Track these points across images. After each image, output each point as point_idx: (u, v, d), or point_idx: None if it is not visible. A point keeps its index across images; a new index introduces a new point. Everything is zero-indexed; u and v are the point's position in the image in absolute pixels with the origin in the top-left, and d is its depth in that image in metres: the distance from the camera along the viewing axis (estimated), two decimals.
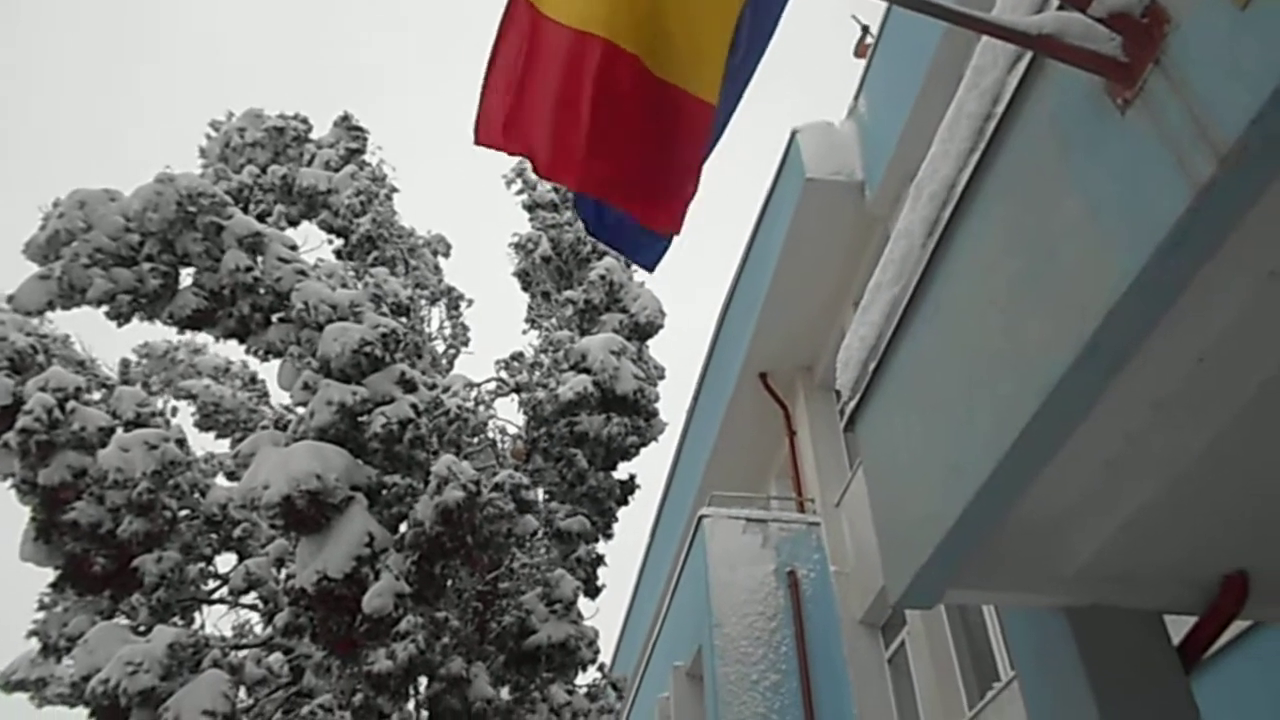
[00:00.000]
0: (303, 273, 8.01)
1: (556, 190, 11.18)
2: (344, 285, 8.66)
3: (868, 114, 13.58)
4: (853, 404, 4.38)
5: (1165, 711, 3.63)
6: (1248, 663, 5.59)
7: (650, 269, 3.38)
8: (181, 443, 8.08)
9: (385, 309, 8.20)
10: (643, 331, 9.50)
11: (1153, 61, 2.36)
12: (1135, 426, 3.17)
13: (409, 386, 7.42)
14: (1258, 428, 3.18)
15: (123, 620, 8.10)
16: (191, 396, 10.84)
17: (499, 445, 8.92)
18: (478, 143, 3.10)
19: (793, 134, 14.32)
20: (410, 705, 7.66)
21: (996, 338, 3.18)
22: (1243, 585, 3.74)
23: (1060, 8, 2.65)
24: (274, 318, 8.07)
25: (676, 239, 3.36)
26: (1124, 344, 2.66)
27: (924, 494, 3.68)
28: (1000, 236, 3.21)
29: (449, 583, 7.15)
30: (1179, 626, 3.86)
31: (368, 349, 7.29)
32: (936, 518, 3.47)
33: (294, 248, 8.30)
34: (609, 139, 3.08)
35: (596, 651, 7.79)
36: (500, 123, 3.14)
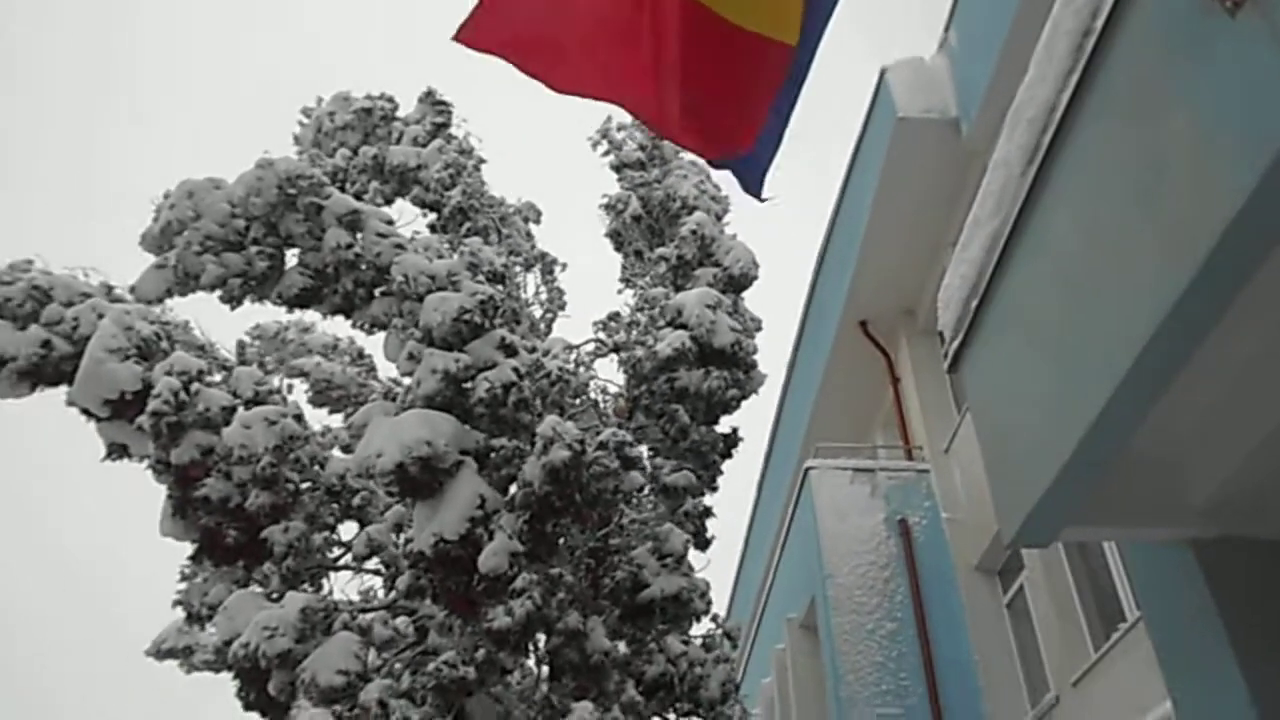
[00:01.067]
0: (400, 246, 8.21)
1: (643, 149, 11.15)
2: (440, 257, 8.83)
3: (959, 47, 13.11)
4: (956, 343, 4.29)
5: None
6: None
7: (757, 196, 3.38)
8: (299, 418, 8.41)
9: (481, 277, 8.35)
10: (737, 284, 9.45)
11: None
12: (1258, 348, 3.04)
13: (510, 351, 7.56)
14: None
15: (257, 588, 8.54)
16: (304, 374, 11.25)
17: (601, 405, 9.03)
18: (469, 43, 2.97)
19: (882, 72, 13.93)
20: (530, 660, 7.90)
21: (1104, 265, 3.07)
22: None
23: None
24: (376, 292, 8.30)
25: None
26: (1243, 262, 2.54)
27: (1035, 430, 3.60)
28: (1104, 159, 3.09)
29: (561, 540, 7.31)
30: None
31: (467, 316, 7.44)
32: (1050, 453, 3.40)
33: (390, 223, 8.49)
34: (666, 72, 3.06)
35: (709, 603, 7.88)
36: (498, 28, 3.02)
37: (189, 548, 8.38)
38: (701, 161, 11.50)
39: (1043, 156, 3.42)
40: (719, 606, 9.75)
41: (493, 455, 7.46)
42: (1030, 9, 9.79)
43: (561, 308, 10.73)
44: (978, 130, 12.11)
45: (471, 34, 2.96)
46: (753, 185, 3.45)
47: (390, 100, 11.19)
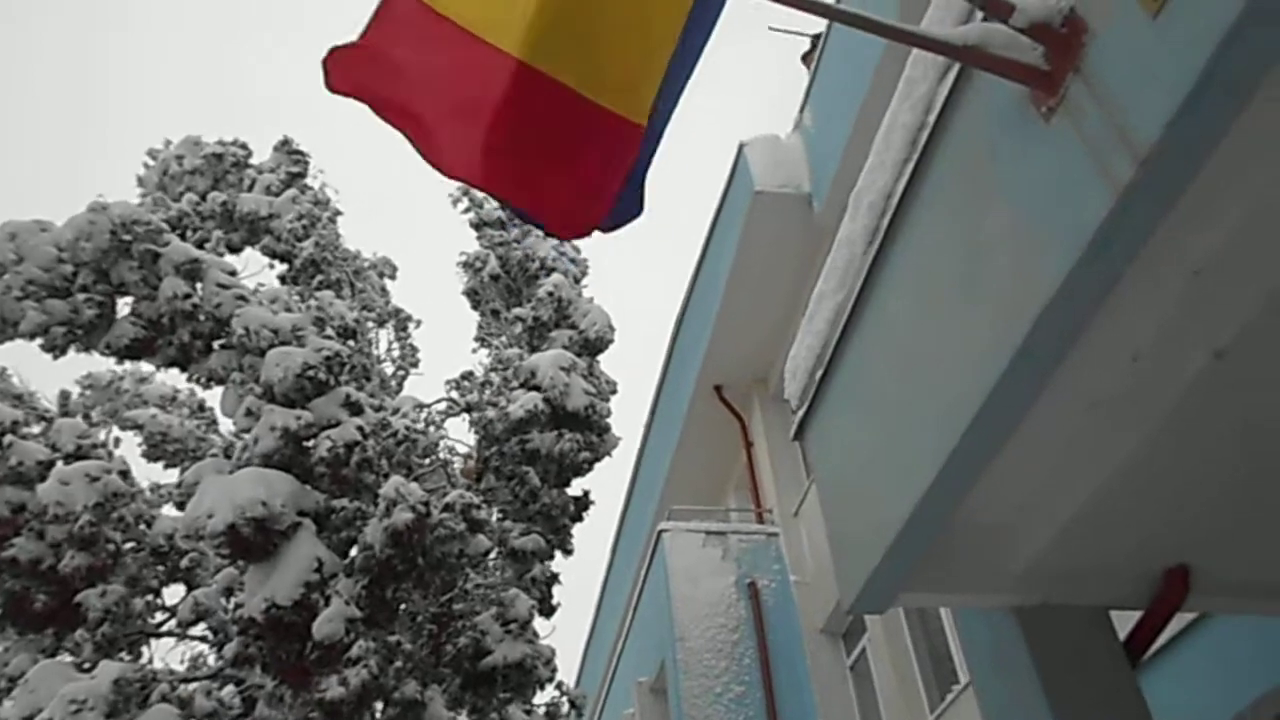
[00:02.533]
0: (243, 298, 7.88)
1: (503, 208, 11.14)
2: (287, 309, 8.52)
3: (813, 126, 13.72)
4: (801, 413, 4.41)
5: (1114, 706, 3.70)
6: (1193, 653, 5.70)
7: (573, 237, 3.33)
8: (125, 474, 7.89)
9: (330, 332, 8.08)
10: (593, 347, 9.48)
11: (1073, 70, 2.42)
12: (1074, 426, 3.23)
13: (355, 409, 7.32)
14: (1192, 423, 3.24)
15: (67, 658, 7.87)
16: (138, 426, 10.62)
17: (450, 466, 8.83)
18: (331, 87, 2.89)
19: (740, 147, 14.42)
20: None
21: (936, 344, 3.23)
22: (1184, 578, 3.82)
23: (985, 19, 2.70)
24: (215, 344, 7.92)
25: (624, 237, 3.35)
26: (1057, 344, 2.72)
27: (872, 498, 3.72)
28: (936, 244, 3.26)
29: (401, 606, 7.04)
30: (1124, 622, 3.93)
31: (311, 373, 7.18)
32: (885, 521, 3.50)
33: (233, 273, 8.16)
34: (519, 146, 3.01)
35: (554, 670, 7.72)
36: (374, 88, 2.97)
37: None
38: None
39: (881, 239, 3.58)
40: (568, 673, 9.60)
41: (333, 516, 7.17)
42: (878, 95, 10.34)
43: (414, 365, 10.53)
44: (828, 207, 12.63)
45: (340, 79, 2.90)
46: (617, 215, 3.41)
47: (244, 147, 10.86)
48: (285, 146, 11.01)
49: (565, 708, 8.12)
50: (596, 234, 3.41)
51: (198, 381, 8.19)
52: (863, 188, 3.75)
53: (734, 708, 12.93)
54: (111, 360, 8.06)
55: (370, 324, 10.32)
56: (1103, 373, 3.00)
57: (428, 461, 8.53)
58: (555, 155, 3.04)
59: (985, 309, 2.88)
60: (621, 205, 3.29)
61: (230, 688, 7.78)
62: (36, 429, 8.35)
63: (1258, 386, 3.15)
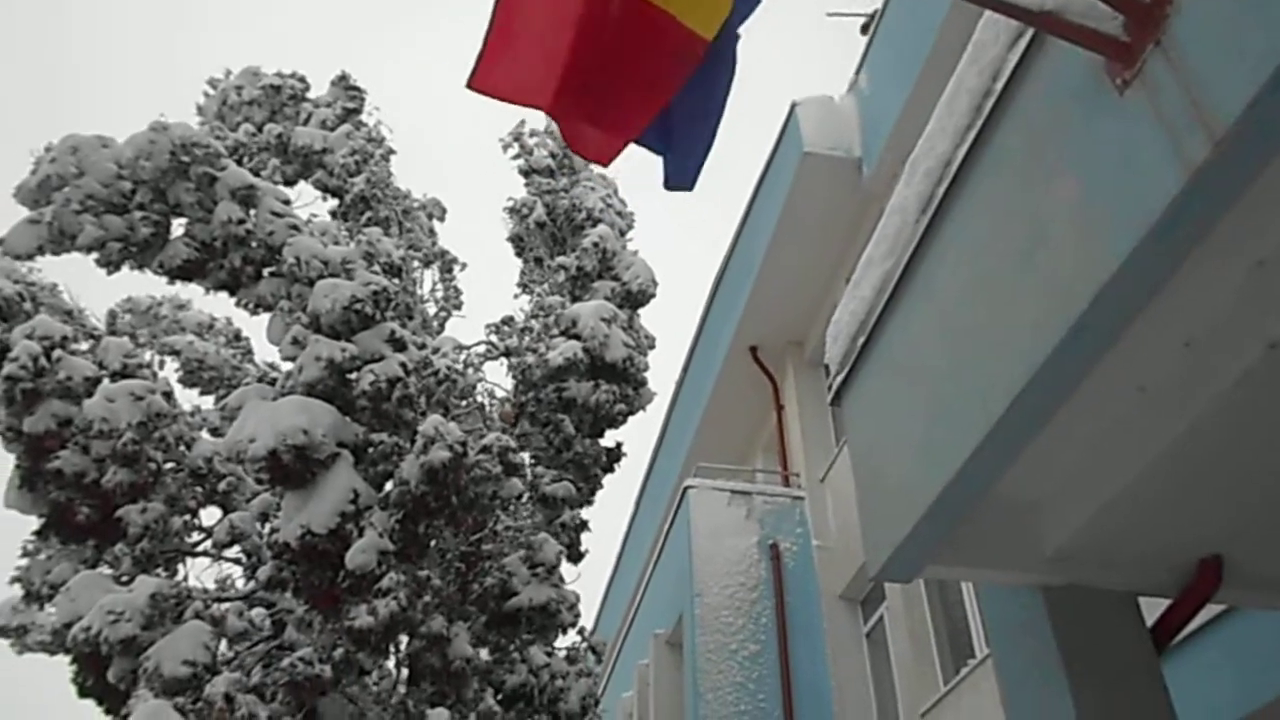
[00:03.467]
0: (295, 228, 7.95)
1: (554, 156, 11.11)
2: (336, 243, 8.59)
3: (868, 90, 13.51)
4: (840, 378, 4.41)
5: (1136, 691, 3.69)
6: (1217, 646, 5.67)
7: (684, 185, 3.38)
8: (168, 395, 8.04)
9: (377, 268, 8.15)
10: (634, 300, 9.48)
11: (1153, 42, 2.36)
12: (1119, 409, 3.20)
13: (399, 345, 7.40)
14: (1240, 415, 3.20)
15: (106, 570, 8.10)
16: (175, 353, 10.79)
17: (488, 409, 8.92)
18: (471, 86, 3.04)
19: (792, 106, 14.25)
20: (390, 662, 7.71)
21: (985, 316, 3.20)
22: (1217, 570, 3.79)
23: None
24: (265, 271, 8.02)
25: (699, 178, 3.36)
26: (1111, 326, 2.68)
27: (907, 469, 3.72)
28: (993, 215, 3.22)
29: (432, 542, 7.17)
30: (1152, 609, 3.92)
31: (358, 306, 7.25)
32: (918, 493, 3.50)
33: (287, 202, 8.22)
34: (591, 65, 3.04)
35: (577, 615, 7.85)
36: (498, 68, 3.08)
37: (35, 522, 7.90)
38: (609, 175, 11.56)
39: (936, 207, 3.54)
40: (587, 620, 9.74)
41: (371, 450, 7.28)
42: (938, 62, 10.15)
43: (457, 307, 10.58)
44: (878, 173, 12.49)
45: (483, 80, 3.01)
46: (674, 175, 3.42)
47: (301, 80, 10.87)
48: (342, 82, 11.01)
49: (585, 652, 8.26)
50: (647, 186, 3.42)
51: (245, 307, 8.30)
52: (920, 154, 3.70)
53: (748, 665, 13.09)
54: (163, 280, 8.17)
55: (416, 263, 10.38)
56: (1154, 357, 2.96)
57: (465, 403, 8.62)
58: (615, 58, 3.04)
59: (1040, 284, 2.85)
60: (684, 126, 3.27)
61: (260, 610, 7.97)
62: (84, 346, 8.50)
63: None
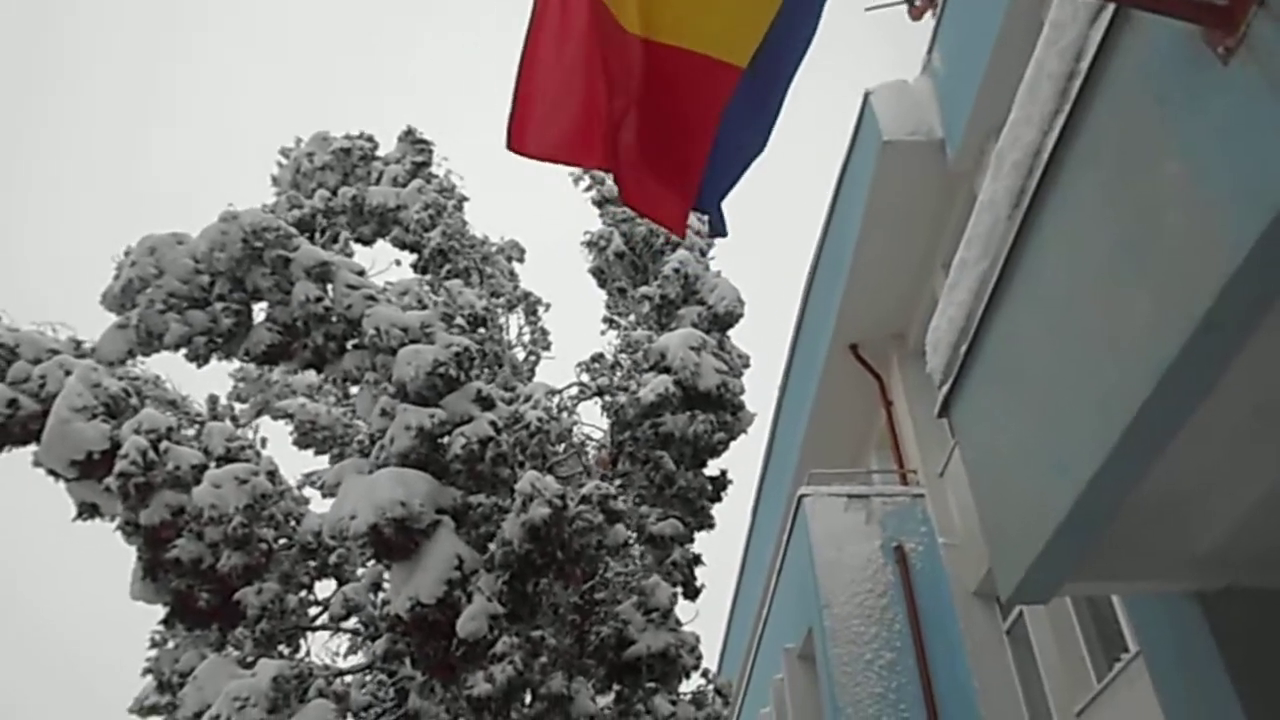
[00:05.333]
0: (372, 298, 7.97)
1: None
2: (419, 302, 8.61)
3: (943, 68, 12.97)
4: (945, 389, 4.14)
5: None
6: None
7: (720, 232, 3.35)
8: (273, 474, 8.15)
9: (460, 322, 8.11)
10: (722, 322, 9.23)
11: (1257, 3, 2.06)
12: (1264, 397, 2.88)
13: (487, 404, 7.32)
14: None
15: (231, 652, 8.25)
16: (288, 415, 11.03)
17: (585, 450, 8.80)
18: (514, 150, 3.10)
19: (866, 96, 13.78)
20: None
21: (1097, 317, 2.91)
22: None
23: None
24: (348, 345, 8.06)
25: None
26: (1247, 315, 2.37)
27: (1029, 486, 3.44)
28: (1094, 205, 2.93)
29: (543, 599, 7.05)
30: None
31: (442, 369, 7.20)
32: (1045, 511, 3.23)
33: (361, 273, 8.27)
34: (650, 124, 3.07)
35: (699, 658, 7.62)
36: (532, 127, 3.13)
37: (160, 611, 8.10)
38: None
39: (1029, 201, 3.29)
40: (713, 644, 9.51)
41: (470, 513, 7.21)
42: (1013, 30, 9.64)
43: (546, 348, 10.53)
44: (963, 152, 11.95)
45: (519, 142, 3.09)
46: (713, 219, 3.38)
47: (370, 140, 11.03)
48: (409, 136, 11.13)
49: (711, 696, 8.02)
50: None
51: (333, 382, 8.39)
52: (1006, 145, 3.43)
53: (885, 674, 12.61)
54: (251, 365, 8.30)
55: (500, 310, 10.37)
56: None
57: (562, 448, 8.51)
58: (660, 113, 3.03)
59: (1155, 280, 2.56)
60: (718, 163, 3.18)
61: (383, 677, 7.99)
62: (190, 432, 8.70)
63: None
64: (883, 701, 12.31)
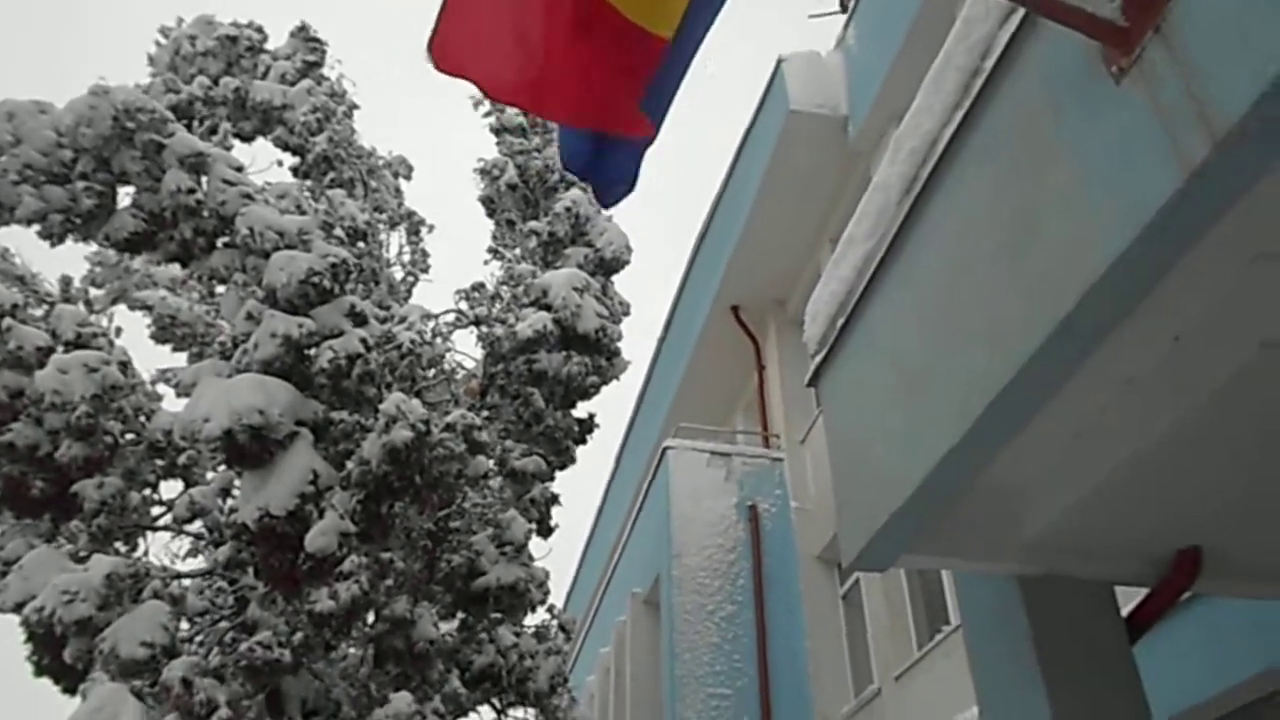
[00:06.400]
0: (249, 196, 7.60)
1: (526, 115, 10.76)
2: (297, 207, 8.28)
3: (856, 46, 13.17)
4: (818, 359, 4.26)
5: (1108, 680, 3.65)
6: (1189, 627, 5.63)
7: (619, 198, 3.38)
8: (125, 365, 7.76)
9: (338, 235, 7.84)
10: (608, 267, 9.22)
11: (1153, 29, 2.14)
12: (1105, 401, 3.07)
13: (359, 320, 7.13)
14: (1228, 410, 3.08)
15: (64, 545, 7.89)
16: (147, 308, 10.51)
17: (455, 378, 8.69)
18: (436, 68, 3.00)
19: (779, 62, 13.91)
20: (352, 646, 7.56)
21: (970, 307, 3.04)
22: (1195, 560, 3.74)
23: None
24: (218, 242, 7.69)
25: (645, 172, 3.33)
26: (1101, 324, 2.53)
27: (885, 458, 3.58)
28: (981, 201, 3.04)
29: (396, 522, 6.97)
30: (1127, 598, 3.85)
31: (316, 279, 6.97)
32: (896, 483, 3.38)
33: (240, 169, 7.86)
34: (565, 66, 3.03)
35: (546, 593, 7.70)
36: (457, 46, 3.03)
37: None
38: None
39: (920, 189, 3.38)
40: (560, 588, 9.63)
41: (331, 429, 7.04)
42: (927, 20, 9.83)
43: (425, 271, 10.29)
44: (865, 131, 12.22)
45: (439, 55, 2.95)
46: (616, 182, 3.38)
47: (259, 30, 10.42)
48: (302, 33, 10.58)
49: (555, 631, 8.14)
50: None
51: (199, 280, 8.01)
52: (905, 131, 3.51)
53: (724, 625, 13.13)
54: (111, 251, 7.84)
55: (381, 226, 10.06)
56: (1143, 351, 2.83)
57: (432, 373, 8.38)
58: (591, 67, 2.98)
59: (1028, 278, 2.69)
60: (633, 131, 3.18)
61: (223, 584, 7.80)
62: (38, 312, 8.20)
63: None
64: (718, 651, 12.83)
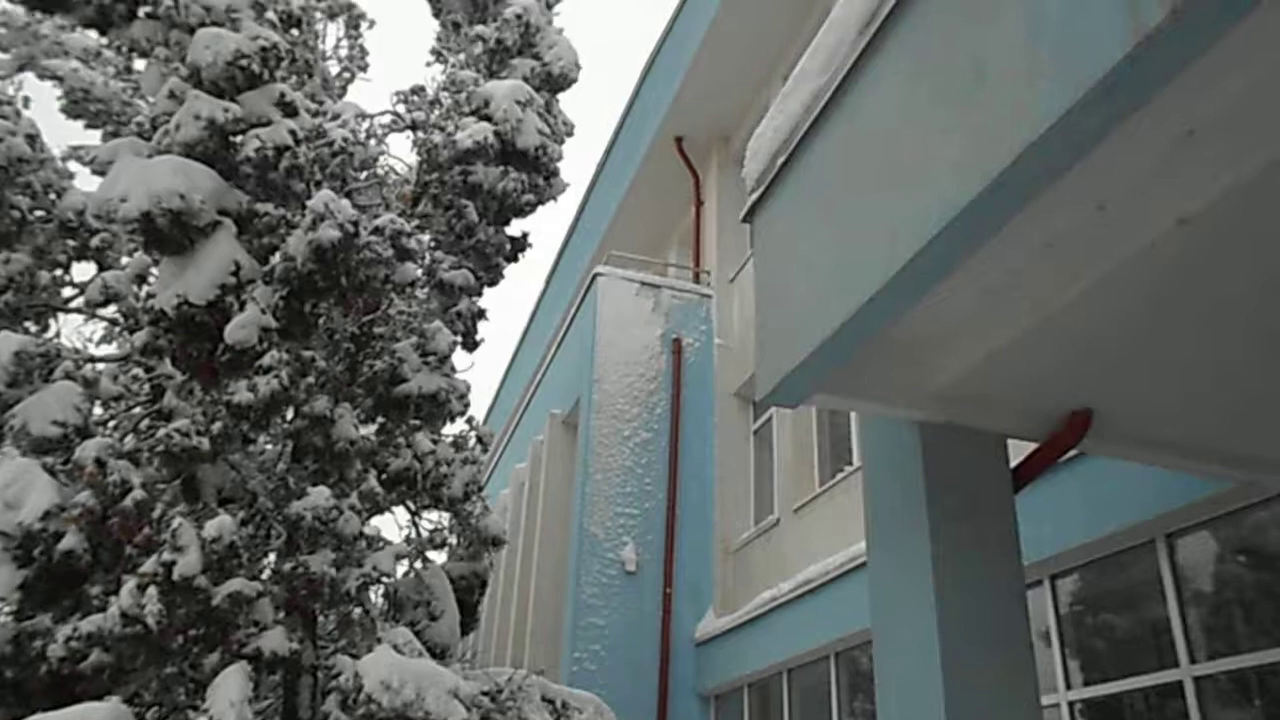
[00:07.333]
0: None
1: None
2: None
3: None
4: (755, 195, 4.25)
5: (987, 525, 3.90)
6: (1071, 481, 6.03)
7: None
8: (33, 139, 7.35)
9: (270, 19, 7.37)
10: (555, 83, 8.89)
11: None
12: (1023, 262, 3.15)
13: (289, 110, 6.81)
14: (1136, 282, 3.19)
15: None
16: (58, 78, 9.88)
17: (388, 183, 8.45)
18: None
19: None
20: (269, 441, 7.61)
21: (909, 153, 3.04)
22: (1085, 421, 3.94)
23: None
24: (139, 10, 7.17)
25: None
26: (1033, 183, 2.55)
27: (809, 298, 3.64)
28: (933, 46, 2.99)
29: (320, 321, 6.90)
30: (1018, 451, 4.08)
31: (244, 62, 6.59)
32: (817, 323, 3.45)
33: None
34: None
35: (466, 404, 7.80)
36: None
37: None
38: None
39: (878, 27, 3.30)
40: (484, 396, 9.75)
41: (255, 221, 6.83)
42: None
43: (362, 68, 9.79)
44: None
45: None
46: None
47: None
48: None
49: (472, 441, 8.30)
50: None
51: (118, 49, 7.50)
52: None
53: (638, 451, 13.58)
54: (19, 10, 7.27)
55: (319, 15, 9.48)
56: (1066, 215, 2.89)
57: (364, 175, 8.12)
58: None
59: (969, 130, 2.69)
60: None
61: (139, 371, 7.71)
62: None
63: (1211, 260, 3.08)
64: (630, 474, 13.32)
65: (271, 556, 6.81)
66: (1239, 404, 3.93)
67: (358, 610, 6.95)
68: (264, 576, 6.58)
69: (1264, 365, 3.66)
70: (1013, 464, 4.11)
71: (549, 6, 9.65)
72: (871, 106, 3.34)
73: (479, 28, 9.09)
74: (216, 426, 6.38)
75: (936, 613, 3.61)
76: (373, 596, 7.19)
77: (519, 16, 8.95)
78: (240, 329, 6.24)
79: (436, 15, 10.17)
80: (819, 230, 3.71)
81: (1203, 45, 2.07)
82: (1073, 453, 4.26)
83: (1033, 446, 4.07)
